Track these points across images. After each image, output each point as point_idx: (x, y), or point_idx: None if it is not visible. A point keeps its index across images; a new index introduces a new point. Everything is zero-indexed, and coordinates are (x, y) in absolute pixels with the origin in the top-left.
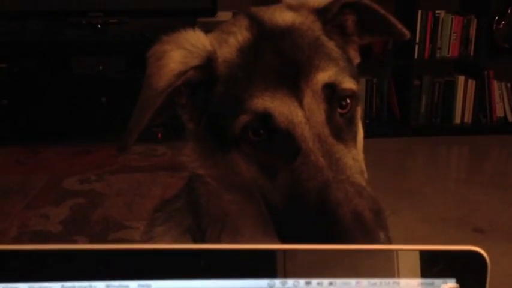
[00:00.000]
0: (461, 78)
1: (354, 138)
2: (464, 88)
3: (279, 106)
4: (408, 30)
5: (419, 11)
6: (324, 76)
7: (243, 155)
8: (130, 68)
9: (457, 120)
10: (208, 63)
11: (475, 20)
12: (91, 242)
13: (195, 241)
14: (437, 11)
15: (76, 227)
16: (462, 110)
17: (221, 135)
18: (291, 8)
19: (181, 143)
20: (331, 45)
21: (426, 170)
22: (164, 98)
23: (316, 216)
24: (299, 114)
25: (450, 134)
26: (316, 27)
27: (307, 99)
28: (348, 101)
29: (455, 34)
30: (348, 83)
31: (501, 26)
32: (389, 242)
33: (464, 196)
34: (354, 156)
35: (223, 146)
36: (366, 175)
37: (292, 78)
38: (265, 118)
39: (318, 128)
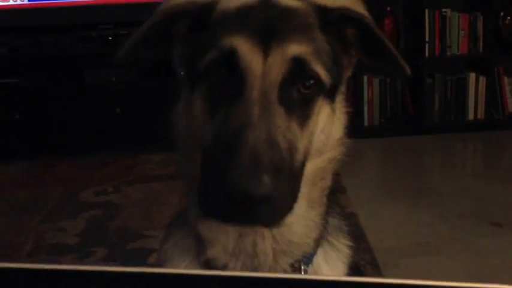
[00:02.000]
0: (472, 76)
1: (303, 119)
2: (475, 85)
3: (245, 48)
4: (408, 67)
5: (426, 10)
6: (297, 49)
7: (201, 95)
8: (143, 78)
9: (470, 116)
10: (212, 7)
11: (481, 17)
12: (109, 252)
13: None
14: (443, 10)
15: (93, 238)
16: (475, 106)
17: (192, 76)
18: None
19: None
20: (320, 37)
21: (442, 166)
22: (162, 17)
23: (223, 151)
24: (259, 63)
25: (464, 131)
26: (312, 19)
27: (273, 58)
28: (312, 82)
29: (463, 31)
30: (318, 68)
31: (507, 21)
32: (277, 191)
33: (481, 191)
34: (289, 128)
35: (191, 89)
36: (299, 156)
37: (268, 37)
38: (229, 55)
39: (267, 85)
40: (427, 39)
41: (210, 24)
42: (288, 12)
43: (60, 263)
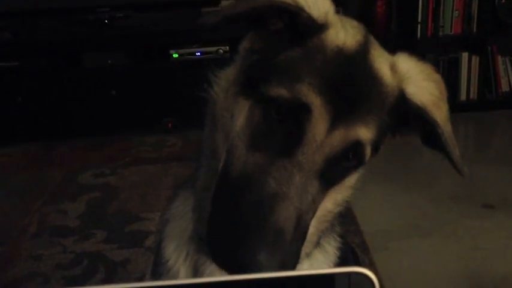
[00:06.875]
0: (465, 55)
1: (329, 185)
2: (468, 64)
3: (321, 116)
4: (464, 170)
5: None
6: (364, 134)
7: (250, 108)
8: (139, 60)
9: (463, 97)
10: (318, 29)
11: None
12: (108, 235)
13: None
14: None
15: (93, 221)
16: (467, 86)
17: (254, 83)
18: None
19: (191, 132)
20: (385, 119)
21: None
22: (264, 3)
23: (248, 214)
24: (323, 134)
25: (456, 111)
26: (389, 101)
27: (338, 133)
28: (353, 162)
29: (457, 11)
30: (368, 151)
31: (503, 1)
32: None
33: (473, 172)
34: (315, 200)
35: (242, 92)
36: (311, 217)
37: (345, 113)
38: (300, 108)
39: (318, 157)
40: (419, 20)
41: (304, 44)
42: (376, 83)
43: (62, 245)
